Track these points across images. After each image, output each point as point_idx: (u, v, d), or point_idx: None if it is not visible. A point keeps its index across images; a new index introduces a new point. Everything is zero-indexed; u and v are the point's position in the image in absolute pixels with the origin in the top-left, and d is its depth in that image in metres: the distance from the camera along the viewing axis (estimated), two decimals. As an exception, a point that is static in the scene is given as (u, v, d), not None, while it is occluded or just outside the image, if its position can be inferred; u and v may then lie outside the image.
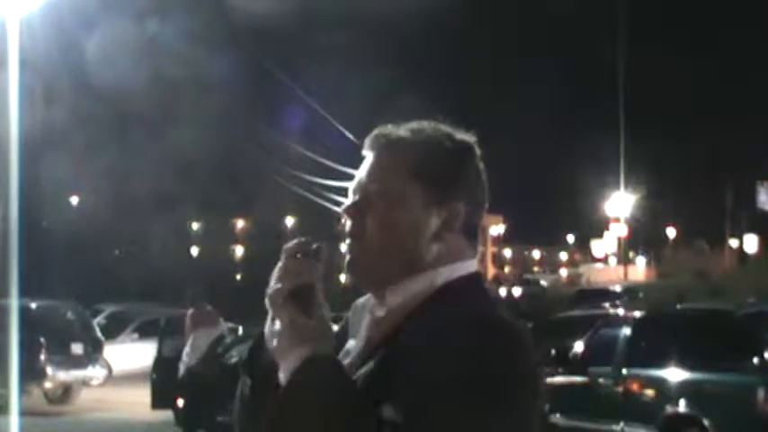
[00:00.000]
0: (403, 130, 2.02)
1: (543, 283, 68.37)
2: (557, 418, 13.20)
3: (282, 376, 1.78)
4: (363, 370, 1.87)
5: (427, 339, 1.77)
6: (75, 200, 73.95)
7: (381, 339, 1.91)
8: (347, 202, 2.01)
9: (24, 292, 21.89)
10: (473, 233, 2.00)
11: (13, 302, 19.86)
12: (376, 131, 2.03)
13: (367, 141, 2.03)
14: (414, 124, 2.04)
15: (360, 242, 1.97)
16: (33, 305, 20.74)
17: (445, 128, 2.04)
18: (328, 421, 1.70)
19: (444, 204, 1.96)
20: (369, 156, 2.02)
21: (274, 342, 1.81)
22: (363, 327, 1.98)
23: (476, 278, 1.98)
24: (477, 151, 2.04)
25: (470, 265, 1.98)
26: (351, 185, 2.03)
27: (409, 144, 1.99)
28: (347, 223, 2.00)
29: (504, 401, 1.72)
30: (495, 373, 1.73)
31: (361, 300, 2.06)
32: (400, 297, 1.93)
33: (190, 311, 5.42)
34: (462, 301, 1.87)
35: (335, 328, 1.98)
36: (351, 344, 1.99)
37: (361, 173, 2.02)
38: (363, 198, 1.99)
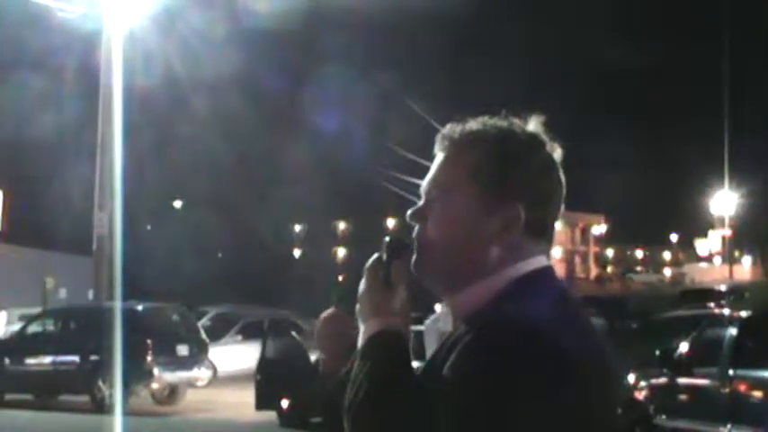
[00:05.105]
0: (466, 129, 1.96)
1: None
2: (662, 419, 13.02)
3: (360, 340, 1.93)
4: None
5: (461, 347, 1.77)
6: (178, 204, 75.32)
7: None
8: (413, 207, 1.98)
9: (130, 294, 22.43)
10: (540, 230, 1.92)
11: (119, 305, 20.32)
12: (442, 131, 1.99)
13: (436, 141, 1.99)
14: (480, 120, 1.97)
15: (422, 249, 1.94)
16: (139, 307, 21.18)
17: (512, 122, 1.97)
18: (380, 393, 1.78)
19: (501, 206, 1.89)
20: (437, 156, 1.99)
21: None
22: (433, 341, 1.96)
23: (539, 276, 1.90)
24: (546, 142, 1.95)
25: (534, 263, 1.90)
26: (421, 188, 2.00)
27: (469, 145, 1.94)
28: (414, 228, 1.97)
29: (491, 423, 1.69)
30: (489, 396, 1.69)
31: (428, 320, 2.05)
32: (465, 304, 1.89)
33: (330, 312, 4.95)
34: (511, 307, 1.81)
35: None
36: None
37: (427, 176, 1.99)
38: (425, 203, 1.96)
